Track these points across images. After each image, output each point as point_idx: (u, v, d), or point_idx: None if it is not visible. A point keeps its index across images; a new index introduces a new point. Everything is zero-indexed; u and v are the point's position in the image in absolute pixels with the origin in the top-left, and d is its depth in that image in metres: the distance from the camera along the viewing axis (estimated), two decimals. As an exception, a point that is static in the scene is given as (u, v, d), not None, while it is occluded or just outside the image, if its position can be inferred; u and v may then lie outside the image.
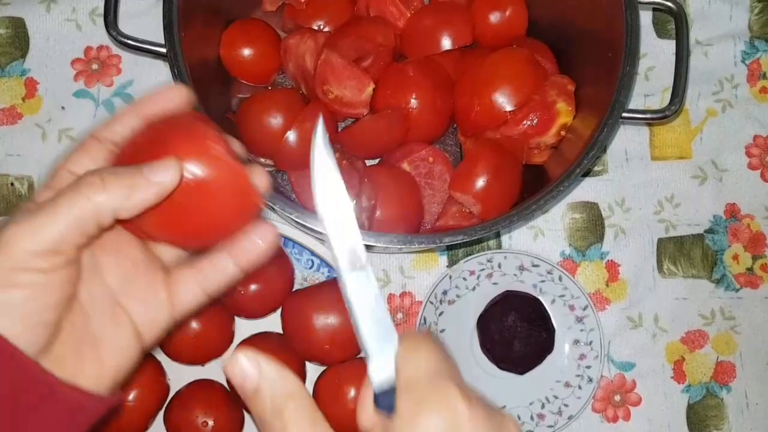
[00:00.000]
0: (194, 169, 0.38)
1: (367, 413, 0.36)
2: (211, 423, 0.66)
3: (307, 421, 0.35)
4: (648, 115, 0.64)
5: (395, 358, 0.36)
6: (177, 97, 0.42)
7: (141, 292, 0.41)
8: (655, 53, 0.81)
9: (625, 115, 0.61)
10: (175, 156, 0.37)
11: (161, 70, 0.78)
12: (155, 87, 0.42)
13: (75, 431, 0.36)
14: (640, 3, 0.64)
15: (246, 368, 0.35)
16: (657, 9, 0.69)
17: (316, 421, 0.35)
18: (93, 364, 0.38)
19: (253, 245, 0.42)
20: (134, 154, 0.39)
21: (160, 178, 0.36)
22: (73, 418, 0.36)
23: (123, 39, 0.61)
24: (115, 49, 0.79)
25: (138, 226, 0.39)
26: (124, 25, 0.74)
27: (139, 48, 0.62)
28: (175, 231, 0.40)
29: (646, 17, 0.82)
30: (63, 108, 0.77)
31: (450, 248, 0.76)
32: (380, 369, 0.36)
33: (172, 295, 0.42)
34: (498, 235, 0.77)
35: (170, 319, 0.42)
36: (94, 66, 0.79)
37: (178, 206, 0.38)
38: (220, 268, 0.42)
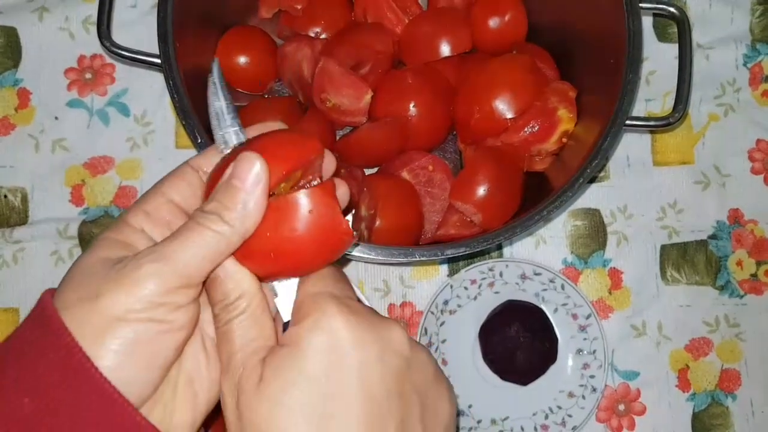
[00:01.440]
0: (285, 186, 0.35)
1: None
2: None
3: (253, 322, 0.36)
4: (651, 123, 0.63)
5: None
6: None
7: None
8: (656, 57, 0.80)
9: (628, 122, 0.60)
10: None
11: (156, 79, 0.77)
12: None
13: None
14: (642, 9, 0.63)
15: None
16: (659, 15, 0.68)
17: (263, 324, 0.36)
18: (188, 404, 0.36)
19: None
20: (215, 177, 0.36)
21: (250, 180, 0.34)
22: None
23: (117, 50, 0.60)
24: (109, 58, 0.77)
25: None
26: (118, 34, 0.74)
27: (133, 59, 0.61)
28: (256, 260, 0.37)
29: (646, 20, 0.81)
30: (56, 118, 0.76)
31: (451, 258, 0.75)
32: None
33: None
34: (499, 244, 0.76)
35: None
36: (88, 75, 0.77)
37: (265, 234, 0.35)
38: None
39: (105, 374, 0.32)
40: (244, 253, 0.35)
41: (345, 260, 0.71)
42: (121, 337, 0.32)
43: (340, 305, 0.35)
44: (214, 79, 0.39)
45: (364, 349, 0.34)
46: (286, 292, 0.38)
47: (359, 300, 0.37)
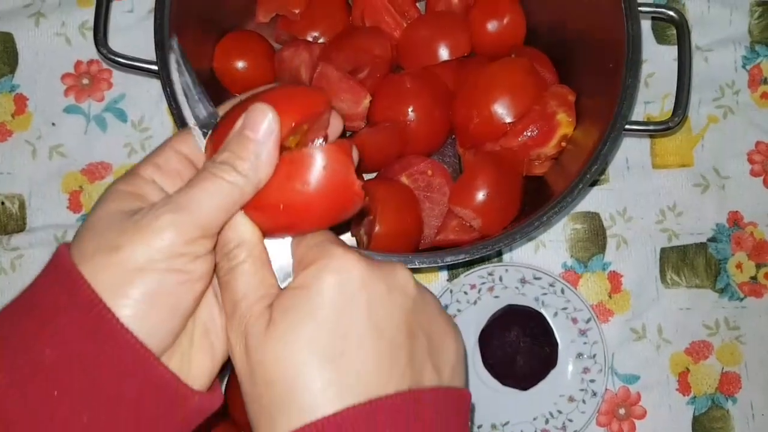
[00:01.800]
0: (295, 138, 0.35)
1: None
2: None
3: (255, 270, 0.36)
4: (651, 128, 0.63)
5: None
6: None
7: None
8: (654, 59, 0.80)
9: (627, 127, 0.60)
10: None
11: (153, 85, 0.76)
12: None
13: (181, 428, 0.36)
14: (641, 12, 0.62)
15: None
16: (658, 18, 0.68)
17: (265, 275, 0.36)
18: (205, 354, 0.37)
19: None
20: (224, 129, 0.36)
21: (263, 130, 0.35)
22: (193, 420, 0.36)
23: (113, 57, 0.60)
24: (106, 63, 0.77)
25: None
26: (115, 38, 0.74)
27: (130, 66, 0.61)
28: (264, 213, 0.37)
29: (645, 22, 0.81)
30: (53, 124, 0.76)
31: (451, 265, 0.75)
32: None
33: None
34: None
35: None
36: (85, 81, 0.77)
37: (276, 187, 0.35)
38: None
39: (126, 324, 0.32)
40: (252, 204, 0.36)
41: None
42: (142, 287, 0.32)
43: (346, 248, 0.36)
44: (177, 57, 0.39)
45: (372, 287, 0.35)
46: (276, 254, 0.38)
47: None
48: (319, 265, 0.35)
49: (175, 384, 0.34)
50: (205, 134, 0.37)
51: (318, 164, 0.34)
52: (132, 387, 0.33)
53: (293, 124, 0.35)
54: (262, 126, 0.35)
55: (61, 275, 0.33)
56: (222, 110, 0.39)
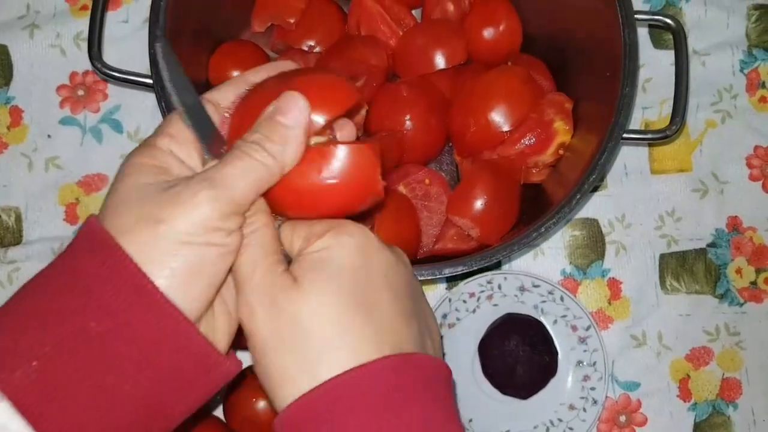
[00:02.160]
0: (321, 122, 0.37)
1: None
2: None
3: (271, 238, 0.38)
4: (649, 136, 0.62)
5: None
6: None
7: None
8: (652, 64, 0.80)
9: (626, 136, 0.60)
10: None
11: (149, 96, 0.76)
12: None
13: (208, 393, 0.37)
14: (638, 20, 0.62)
15: None
16: (654, 26, 0.67)
17: (277, 243, 0.38)
18: (225, 321, 0.38)
19: None
20: (251, 111, 0.38)
21: (294, 117, 0.36)
22: (222, 382, 0.37)
23: (108, 71, 0.60)
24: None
25: None
26: (109, 49, 0.74)
27: (124, 80, 0.61)
28: (285, 197, 0.38)
29: (641, 27, 0.80)
30: (49, 136, 0.76)
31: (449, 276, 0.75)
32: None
33: None
34: (498, 258, 0.75)
35: None
36: (80, 92, 0.77)
37: (302, 174, 0.37)
38: None
39: (167, 295, 0.34)
40: (276, 187, 0.37)
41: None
42: (183, 260, 0.34)
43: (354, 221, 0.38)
44: (163, 45, 0.39)
45: (385, 252, 0.38)
46: None
47: None
48: (335, 231, 0.37)
49: (211, 352, 0.36)
50: (190, 118, 0.38)
51: (347, 160, 0.36)
52: (174, 356, 0.34)
53: (326, 122, 0.37)
54: (293, 114, 0.37)
55: (99, 247, 0.34)
56: (226, 89, 0.41)
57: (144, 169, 0.37)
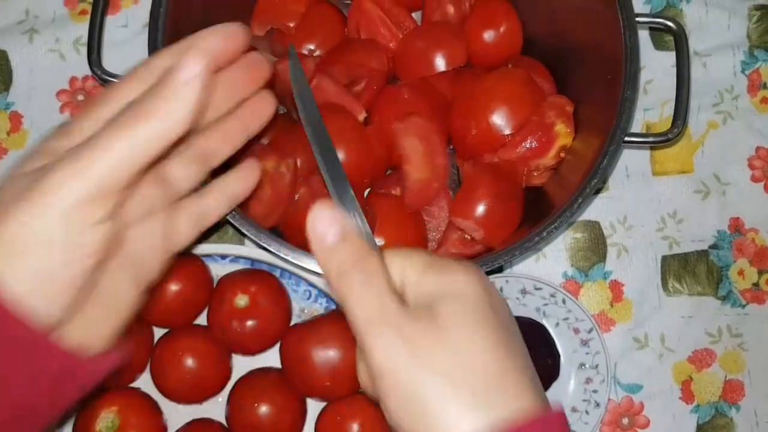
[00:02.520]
0: None
1: (362, 371, 0.37)
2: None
3: (372, 290, 0.34)
4: (650, 139, 0.62)
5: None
6: (233, 40, 0.42)
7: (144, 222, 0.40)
8: (652, 66, 0.80)
9: (627, 139, 0.60)
10: None
11: (149, 100, 0.76)
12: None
13: (80, 392, 0.36)
14: (639, 22, 0.62)
15: (334, 219, 0.35)
16: (655, 28, 0.67)
17: (381, 292, 0.34)
18: (102, 309, 0.36)
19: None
20: None
21: (187, 73, 0.35)
22: (88, 382, 0.36)
23: (108, 78, 0.60)
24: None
25: None
26: (109, 54, 0.73)
27: (124, 86, 0.60)
28: None
29: (642, 28, 0.80)
30: (49, 141, 0.75)
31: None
32: None
33: (168, 227, 0.41)
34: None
35: (163, 256, 0.41)
36: (80, 97, 0.76)
37: None
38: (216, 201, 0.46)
39: (19, 302, 0.31)
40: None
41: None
42: (33, 263, 0.32)
43: (457, 263, 0.38)
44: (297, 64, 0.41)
45: (493, 290, 0.38)
46: None
47: None
48: (457, 270, 0.36)
49: (67, 359, 0.34)
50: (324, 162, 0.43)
51: None
52: (24, 367, 0.32)
53: None
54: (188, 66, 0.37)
55: None
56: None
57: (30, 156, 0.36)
